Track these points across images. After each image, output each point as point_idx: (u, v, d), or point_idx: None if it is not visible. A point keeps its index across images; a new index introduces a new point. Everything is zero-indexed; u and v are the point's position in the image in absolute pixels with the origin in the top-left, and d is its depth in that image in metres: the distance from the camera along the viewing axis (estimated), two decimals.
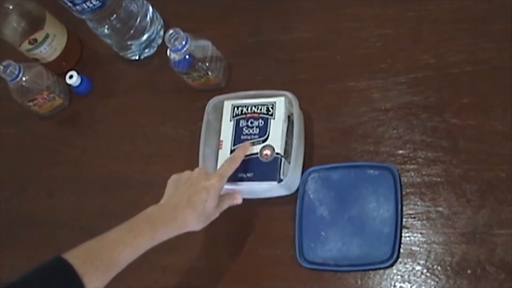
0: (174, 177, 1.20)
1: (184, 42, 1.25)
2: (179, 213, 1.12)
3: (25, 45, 1.46)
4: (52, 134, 1.54)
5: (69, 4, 1.31)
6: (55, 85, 1.49)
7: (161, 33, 1.47)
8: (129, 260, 1.09)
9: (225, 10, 1.46)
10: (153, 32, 1.45)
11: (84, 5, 1.30)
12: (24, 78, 1.42)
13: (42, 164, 1.52)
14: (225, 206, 1.18)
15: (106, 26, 1.39)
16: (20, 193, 1.51)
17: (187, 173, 1.19)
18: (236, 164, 1.19)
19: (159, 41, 1.47)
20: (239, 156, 1.21)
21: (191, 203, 1.12)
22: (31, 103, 1.47)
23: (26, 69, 1.43)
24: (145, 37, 1.44)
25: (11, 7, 1.43)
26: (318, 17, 1.37)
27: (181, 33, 1.26)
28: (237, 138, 1.25)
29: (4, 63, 1.41)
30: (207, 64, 1.30)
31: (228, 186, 1.19)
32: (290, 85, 1.28)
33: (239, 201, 1.20)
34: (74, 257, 1.04)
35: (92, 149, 1.47)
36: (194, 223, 1.14)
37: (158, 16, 1.47)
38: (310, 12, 1.38)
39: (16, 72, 1.41)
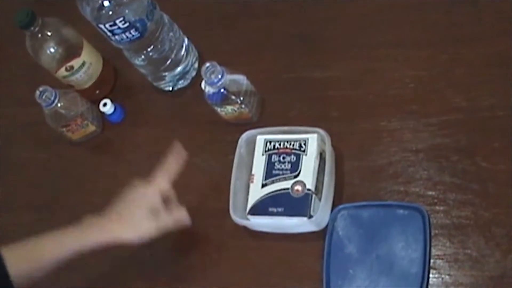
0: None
1: (220, 76, 1.27)
2: (106, 225, 1.20)
3: (62, 72, 1.48)
4: (84, 160, 1.56)
5: (108, 34, 1.33)
6: (89, 112, 1.51)
7: (196, 65, 1.49)
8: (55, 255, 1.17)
9: (260, 45, 1.49)
10: (187, 64, 1.47)
11: (123, 35, 1.32)
12: (59, 104, 1.44)
13: (72, 189, 1.53)
14: (163, 225, 1.20)
15: (143, 57, 1.41)
16: (49, 217, 1.52)
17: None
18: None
19: (193, 73, 1.49)
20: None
21: (121, 214, 1.20)
22: (64, 129, 1.49)
23: (62, 95, 1.45)
24: (179, 68, 1.46)
25: (49, 34, 1.45)
26: (352, 56, 1.39)
27: (218, 67, 1.28)
28: (269, 172, 1.26)
29: (40, 89, 1.43)
30: (241, 98, 1.32)
31: (258, 220, 1.21)
32: (322, 122, 1.30)
33: (183, 222, 1.23)
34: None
35: (122, 177, 1.46)
36: (124, 235, 1.19)
37: (193, 48, 1.49)
38: (344, 51, 1.40)
39: (52, 98, 1.43)
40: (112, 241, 1.19)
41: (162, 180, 1.23)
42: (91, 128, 1.52)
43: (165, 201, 1.22)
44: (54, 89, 1.44)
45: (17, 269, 1.13)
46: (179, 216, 1.24)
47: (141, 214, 1.20)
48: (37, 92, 1.43)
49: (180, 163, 1.24)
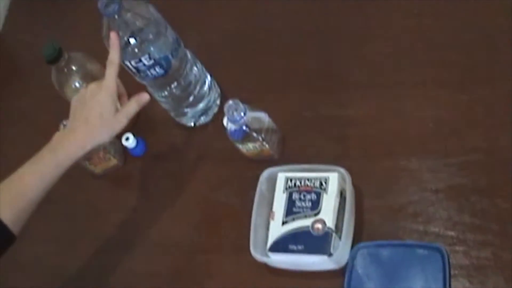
0: (74, 97, 1.29)
1: (242, 113, 1.29)
2: (78, 135, 1.24)
3: None
4: (105, 193, 1.57)
5: (133, 70, 1.35)
6: (111, 146, 1.53)
7: (218, 101, 1.51)
8: (39, 189, 1.21)
9: (281, 83, 1.50)
10: (210, 100, 1.49)
11: (148, 72, 1.35)
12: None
13: (93, 221, 1.54)
14: (131, 110, 1.27)
15: (166, 93, 1.43)
16: (68, 249, 1.53)
17: (82, 90, 1.28)
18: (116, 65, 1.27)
19: (215, 109, 1.51)
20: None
21: (87, 122, 1.23)
22: (87, 162, 1.51)
23: None
24: (202, 105, 1.48)
25: (75, 68, 1.48)
26: (373, 95, 1.40)
27: (240, 104, 1.29)
28: (289, 210, 1.28)
29: (64, 122, 1.44)
30: (262, 136, 1.33)
31: (279, 257, 1.22)
32: (342, 160, 1.31)
33: (144, 99, 1.29)
34: None
35: (143, 211, 1.50)
36: (98, 137, 1.25)
37: (216, 85, 1.51)
38: (365, 90, 1.42)
39: None
40: (89, 147, 1.25)
41: (112, 76, 1.26)
42: (113, 161, 1.54)
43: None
44: None
45: (5, 213, 1.18)
46: (137, 95, 1.29)
47: (104, 108, 1.24)
48: (61, 125, 1.45)
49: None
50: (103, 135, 1.26)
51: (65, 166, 1.23)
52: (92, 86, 1.27)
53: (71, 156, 1.23)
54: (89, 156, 1.49)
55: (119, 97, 1.30)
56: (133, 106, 1.28)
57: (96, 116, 1.24)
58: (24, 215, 1.22)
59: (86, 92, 1.27)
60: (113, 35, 1.27)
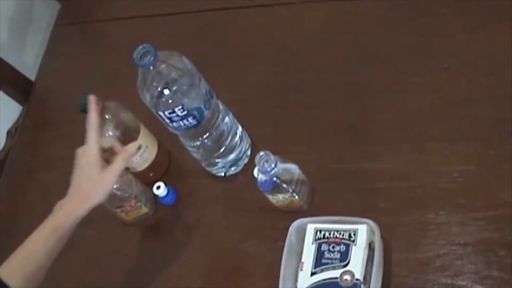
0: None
1: (273, 165, 1.31)
2: (73, 201, 1.30)
3: None
4: (135, 241, 1.59)
5: (166, 120, 1.38)
6: (142, 194, 1.55)
7: (248, 152, 1.53)
8: (43, 254, 1.25)
9: (310, 135, 1.52)
10: (240, 151, 1.51)
11: (181, 122, 1.37)
12: (115, 186, 1.48)
13: (122, 269, 1.56)
14: (118, 168, 1.31)
15: (198, 143, 1.46)
16: None
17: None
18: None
19: (246, 160, 1.53)
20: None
21: (79, 188, 1.30)
22: (118, 210, 1.53)
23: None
24: (233, 155, 1.50)
25: (108, 117, 1.50)
26: (400, 149, 1.42)
27: (271, 156, 1.31)
28: (318, 261, 1.29)
29: None
30: (292, 187, 1.35)
31: None
32: (369, 213, 1.32)
33: (129, 154, 1.37)
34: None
35: (172, 260, 1.51)
36: (91, 200, 1.30)
37: (247, 136, 1.54)
38: (392, 143, 1.43)
39: None
40: (85, 211, 1.29)
41: (92, 138, 1.31)
42: (144, 209, 1.56)
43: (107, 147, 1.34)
44: None
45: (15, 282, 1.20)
46: (122, 151, 1.35)
47: (88, 172, 1.30)
48: None
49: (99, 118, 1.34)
50: (96, 197, 1.31)
51: (64, 230, 1.27)
52: (78, 151, 1.32)
53: (68, 220, 1.28)
54: (120, 204, 1.51)
55: (116, 155, 1.34)
56: (119, 163, 1.32)
57: (84, 181, 1.30)
58: (33, 280, 1.25)
59: (76, 158, 1.32)
60: (92, 98, 1.34)
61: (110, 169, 1.31)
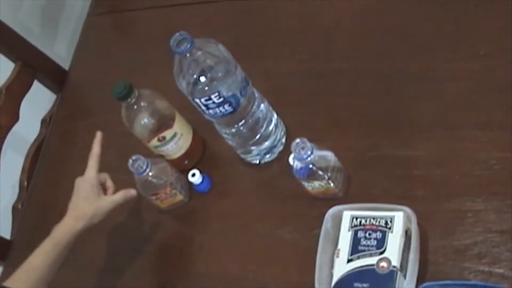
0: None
1: (309, 152, 1.31)
2: (70, 218, 1.41)
3: (154, 142, 1.54)
4: (170, 228, 1.60)
5: (203, 107, 1.38)
6: (178, 182, 1.56)
7: (283, 140, 1.53)
8: (45, 265, 1.37)
9: (346, 122, 1.52)
10: (275, 139, 1.51)
11: (217, 109, 1.38)
12: (150, 173, 1.49)
13: (157, 256, 1.58)
14: (117, 199, 1.45)
15: (233, 130, 1.46)
16: (133, 282, 1.56)
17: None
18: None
19: (281, 147, 1.53)
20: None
21: (77, 207, 1.43)
22: (153, 197, 1.54)
23: (153, 164, 1.50)
24: (267, 143, 1.51)
25: (144, 105, 1.50)
26: (437, 136, 1.41)
27: (307, 143, 1.31)
28: (355, 248, 1.29)
29: (133, 157, 1.47)
30: (328, 174, 1.35)
31: None
32: (406, 200, 1.32)
33: (131, 195, 1.47)
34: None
35: (207, 246, 1.52)
36: (88, 218, 1.41)
37: (281, 124, 1.53)
38: (429, 130, 1.43)
39: (144, 167, 1.47)
40: (81, 227, 1.41)
41: (93, 167, 1.46)
42: (179, 197, 1.57)
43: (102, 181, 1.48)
44: (146, 159, 1.48)
45: None
46: (126, 189, 1.47)
47: (87, 193, 1.43)
48: (130, 161, 1.47)
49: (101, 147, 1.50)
50: (93, 218, 1.42)
51: (62, 246, 1.38)
52: (78, 179, 1.45)
53: (67, 235, 1.39)
54: (155, 191, 1.52)
55: (106, 189, 1.48)
56: (119, 196, 1.46)
57: (82, 201, 1.43)
58: None
59: (75, 185, 1.45)
60: (98, 133, 1.50)
61: (109, 198, 1.46)
